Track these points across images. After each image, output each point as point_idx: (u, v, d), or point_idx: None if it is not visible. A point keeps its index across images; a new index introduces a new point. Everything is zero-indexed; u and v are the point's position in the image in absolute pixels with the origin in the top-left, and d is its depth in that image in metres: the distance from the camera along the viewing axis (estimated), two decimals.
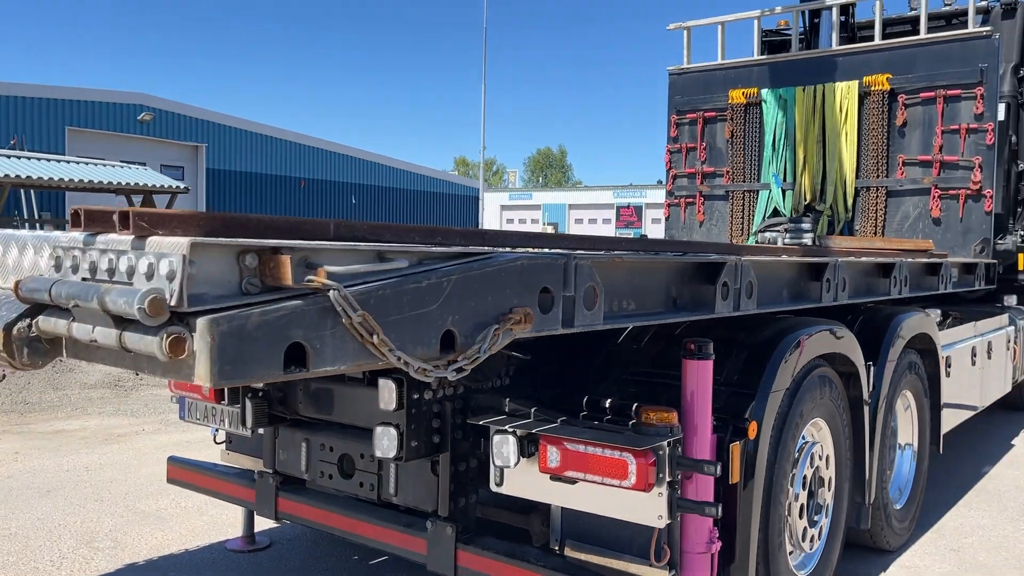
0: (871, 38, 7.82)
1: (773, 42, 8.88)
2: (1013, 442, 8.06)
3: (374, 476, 3.52)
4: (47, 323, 1.96)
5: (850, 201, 7.69)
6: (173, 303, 1.71)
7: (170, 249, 1.72)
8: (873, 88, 7.51)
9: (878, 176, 7.56)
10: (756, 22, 8.49)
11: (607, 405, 3.28)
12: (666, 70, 8.76)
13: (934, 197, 7.33)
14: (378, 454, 3.21)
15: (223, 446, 4.67)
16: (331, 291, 1.91)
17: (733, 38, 8.60)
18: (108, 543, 4.97)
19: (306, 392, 3.79)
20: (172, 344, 1.65)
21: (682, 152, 8.70)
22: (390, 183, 40.63)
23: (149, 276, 1.74)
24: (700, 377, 3.13)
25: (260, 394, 3.79)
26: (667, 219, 8.83)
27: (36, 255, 2.25)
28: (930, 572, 4.78)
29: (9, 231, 2.34)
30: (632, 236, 39.27)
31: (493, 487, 3.22)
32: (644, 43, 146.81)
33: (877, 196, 7.58)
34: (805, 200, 7.95)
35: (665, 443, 2.84)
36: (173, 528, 5.26)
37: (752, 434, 3.27)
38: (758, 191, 8.20)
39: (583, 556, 3.26)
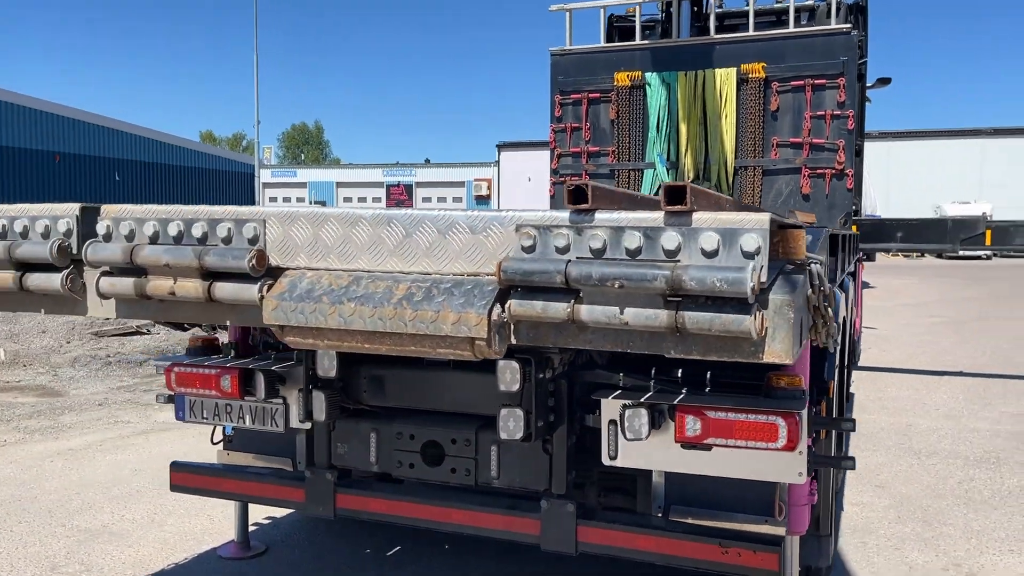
0: (745, 28, 8.49)
1: (622, 28, 9.37)
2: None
3: (469, 461, 3.47)
4: (526, 307, 1.85)
5: (731, 179, 8.35)
6: (756, 283, 1.71)
7: (753, 225, 1.68)
8: (750, 76, 8.17)
9: (755, 156, 8.26)
10: (602, 11, 8.97)
11: (705, 376, 3.45)
12: (548, 50, 8.97)
13: (804, 176, 8.14)
14: (503, 436, 3.19)
15: (219, 446, 4.34)
16: (812, 264, 1.95)
17: (581, 21, 8.97)
18: (77, 567, 4.44)
19: (376, 381, 3.64)
20: (760, 323, 1.67)
21: (567, 132, 8.98)
22: (158, 159, 37.75)
23: (711, 254, 1.70)
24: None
25: (320, 384, 3.59)
26: (552, 197, 9.09)
27: (494, 235, 2.23)
28: (878, 506, 5.43)
29: (416, 211, 2.22)
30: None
31: (606, 461, 3.27)
32: (405, 22, 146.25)
33: (754, 175, 8.28)
34: (688, 178, 8.51)
35: (807, 405, 3.07)
36: (139, 543, 4.80)
37: (832, 392, 3.59)
38: (643, 170, 8.66)
39: (691, 521, 3.43)
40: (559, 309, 1.90)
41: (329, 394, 3.55)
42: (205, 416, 3.92)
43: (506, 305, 2.09)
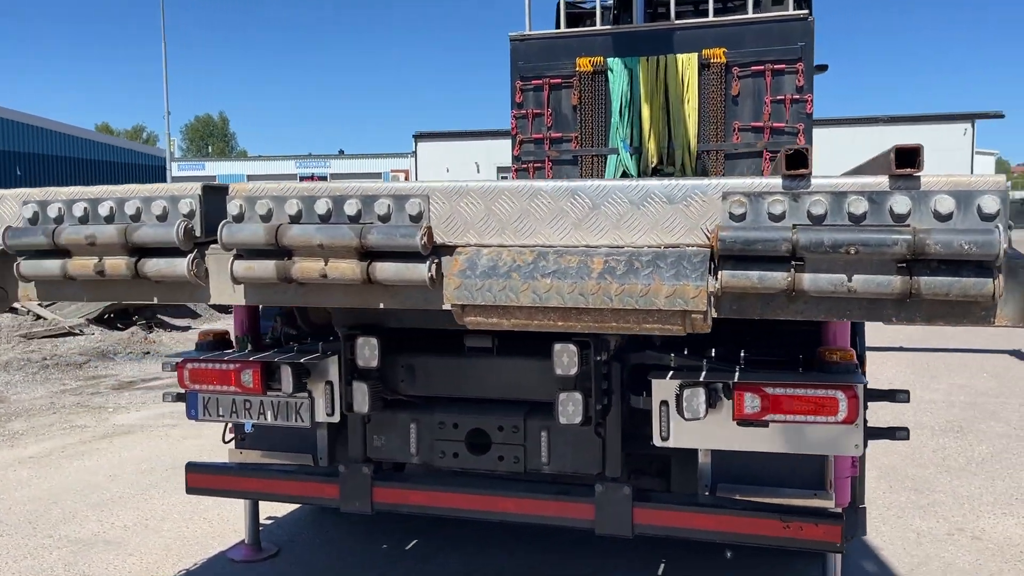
0: (706, 13, 8.60)
1: (572, 14, 9.38)
2: None
3: (518, 448, 3.42)
4: (740, 277, 1.78)
5: (694, 164, 8.45)
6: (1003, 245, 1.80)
7: (991, 187, 1.66)
8: (712, 60, 8.27)
9: (717, 140, 8.37)
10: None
11: (744, 353, 3.47)
12: (508, 36, 8.91)
13: (766, 160, 8.28)
14: (563, 421, 3.16)
15: (230, 445, 4.17)
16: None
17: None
18: None
19: (415, 370, 3.55)
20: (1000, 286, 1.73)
21: (528, 118, 8.92)
22: (62, 151, 36.05)
23: (945, 217, 1.67)
24: None
25: (360, 375, 3.48)
26: None
27: (696, 204, 2.18)
28: (868, 477, 5.59)
29: (603, 182, 2.12)
30: None
31: (658, 442, 3.26)
32: (311, 9, 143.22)
33: (717, 158, 8.39)
34: (652, 163, 8.58)
35: (864, 378, 3.12)
36: (140, 550, 4.58)
37: (865, 366, 3.66)
38: (607, 155, 8.69)
39: (739, 498, 3.46)
40: (778, 279, 1.85)
41: (371, 384, 3.44)
42: (221, 414, 3.74)
43: (717, 276, 2.03)
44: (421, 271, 2.49)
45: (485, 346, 3.46)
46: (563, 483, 3.52)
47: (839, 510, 3.27)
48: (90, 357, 10.85)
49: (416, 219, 2.55)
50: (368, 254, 2.51)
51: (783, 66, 8.14)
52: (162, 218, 2.74)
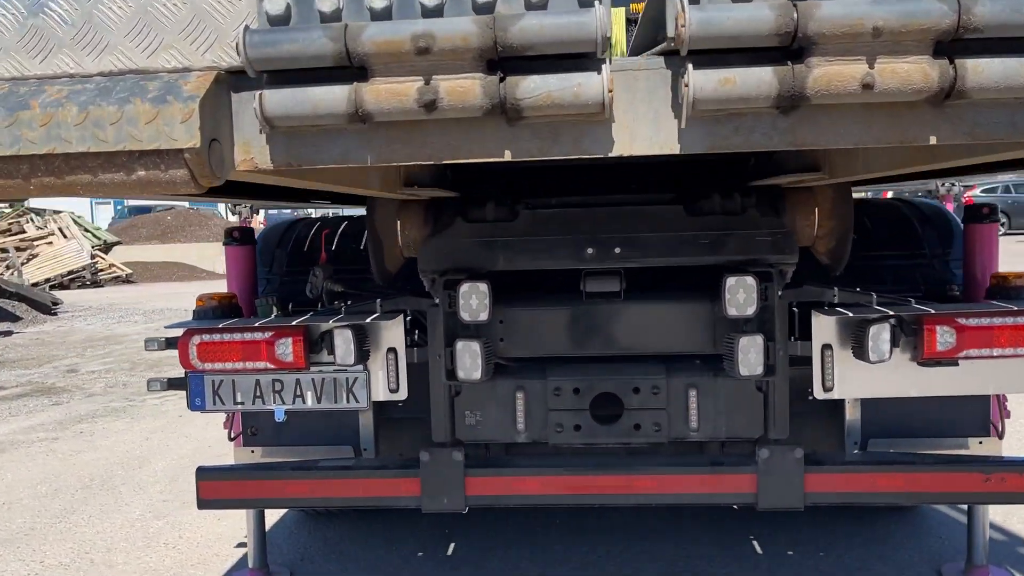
0: None
1: None
2: None
3: (659, 412, 2.80)
4: None
5: None
6: None
7: None
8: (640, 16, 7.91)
9: None
10: None
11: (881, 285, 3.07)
12: None
13: None
14: (743, 373, 2.63)
15: (235, 443, 3.29)
16: None
17: None
18: None
19: (519, 325, 2.86)
20: None
21: None
22: None
23: None
24: (990, 238, 3.14)
25: (463, 332, 2.76)
26: None
27: None
28: None
29: None
30: None
31: (819, 394, 2.76)
32: None
33: None
34: None
35: None
36: None
37: None
38: None
39: (894, 451, 3.04)
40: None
41: (483, 344, 2.70)
42: (240, 400, 2.87)
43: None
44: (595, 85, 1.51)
45: (610, 290, 2.81)
46: (700, 453, 2.96)
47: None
48: None
49: None
50: (497, 64, 1.52)
51: None
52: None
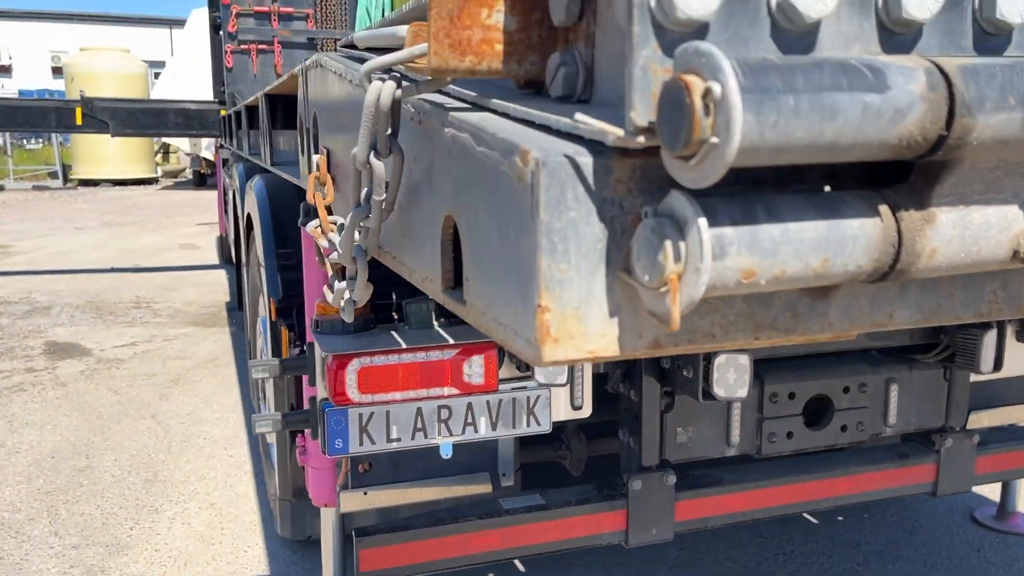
0: None
1: None
2: None
3: (862, 411, 2.64)
4: None
5: None
6: None
7: None
8: None
9: None
10: None
11: None
12: None
13: None
14: (983, 369, 2.52)
15: (344, 491, 2.50)
16: None
17: None
18: None
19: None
20: None
21: None
22: None
23: None
24: None
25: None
26: (231, 70, 7.06)
27: None
28: None
29: None
30: None
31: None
32: None
33: None
34: None
35: None
36: None
37: None
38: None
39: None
40: None
41: (751, 357, 2.32)
42: (396, 436, 2.21)
43: None
44: None
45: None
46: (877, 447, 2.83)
47: None
48: None
49: None
50: None
51: None
52: None
